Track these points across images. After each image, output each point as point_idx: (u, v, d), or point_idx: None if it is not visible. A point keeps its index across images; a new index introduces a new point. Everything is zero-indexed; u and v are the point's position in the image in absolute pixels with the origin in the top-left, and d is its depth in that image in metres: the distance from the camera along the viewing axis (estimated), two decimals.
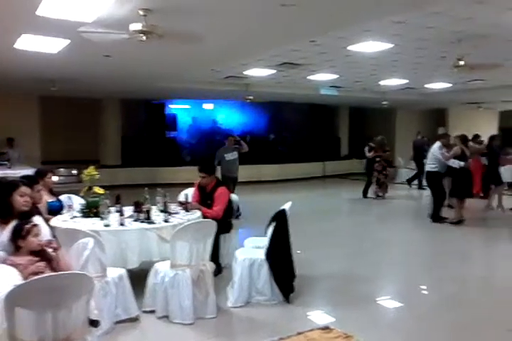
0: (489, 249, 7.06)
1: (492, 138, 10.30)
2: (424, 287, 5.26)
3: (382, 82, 12.23)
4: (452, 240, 7.49)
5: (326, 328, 2.01)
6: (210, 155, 9.05)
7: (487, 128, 18.89)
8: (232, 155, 9.23)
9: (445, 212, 8.71)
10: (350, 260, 6.24)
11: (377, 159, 11.59)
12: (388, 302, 4.67)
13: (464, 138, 8.49)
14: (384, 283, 5.49)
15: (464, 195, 8.27)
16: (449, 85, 12.70)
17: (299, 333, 2.02)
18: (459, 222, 8.25)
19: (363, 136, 18.93)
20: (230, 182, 8.88)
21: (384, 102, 15.45)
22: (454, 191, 8.34)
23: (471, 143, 9.59)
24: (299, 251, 5.60)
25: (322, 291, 5.00)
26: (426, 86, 12.95)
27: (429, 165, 8.53)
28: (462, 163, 8.08)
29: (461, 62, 7.26)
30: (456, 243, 7.34)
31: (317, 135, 18.46)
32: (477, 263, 6.31)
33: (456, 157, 8.13)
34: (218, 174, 8.82)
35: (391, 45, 7.67)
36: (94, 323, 2.76)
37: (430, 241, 7.60)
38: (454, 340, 3.69)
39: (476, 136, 11.32)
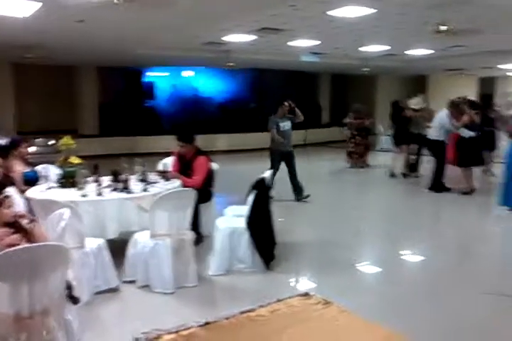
0: (475, 217, 7.14)
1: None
2: (404, 252, 5.36)
3: (363, 49, 12.08)
4: (439, 208, 7.57)
5: (305, 294, 2.01)
6: (189, 124, 8.67)
7: (467, 95, 18.96)
8: (286, 125, 7.94)
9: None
10: (330, 227, 6.29)
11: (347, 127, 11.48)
12: (368, 268, 4.76)
13: (472, 104, 8.01)
14: (364, 249, 5.58)
15: (470, 164, 8.02)
16: (430, 52, 12.60)
17: (279, 300, 2.02)
18: (469, 191, 8.02)
19: (344, 103, 18.88)
20: (282, 158, 7.77)
21: (365, 69, 15.32)
22: (460, 160, 8.02)
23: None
24: (281, 219, 5.65)
25: (303, 258, 5.03)
26: (407, 52, 12.82)
27: (433, 134, 8.25)
28: (472, 133, 7.80)
29: (443, 28, 7.17)
30: (441, 210, 7.44)
31: (298, 102, 18.19)
32: (460, 230, 6.39)
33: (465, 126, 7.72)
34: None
35: (373, 10, 7.51)
36: (74, 300, 2.73)
37: (412, 209, 7.67)
38: (431, 303, 3.77)
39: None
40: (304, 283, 4.23)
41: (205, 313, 3.45)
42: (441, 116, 8.15)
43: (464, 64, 15.59)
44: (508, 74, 20.23)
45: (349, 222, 6.63)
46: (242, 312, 1.91)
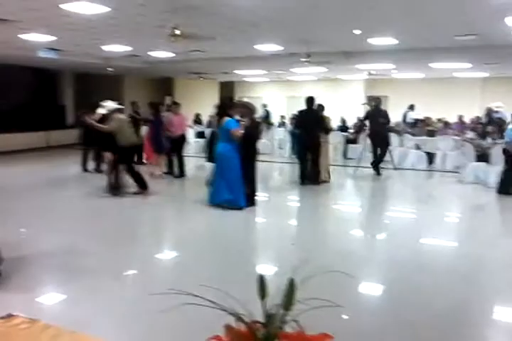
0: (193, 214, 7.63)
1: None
2: (153, 251, 5.39)
3: (105, 48, 11.80)
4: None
5: (8, 316, 1.79)
6: None
7: (210, 98, 20.33)
8: None
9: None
10: (71, 234, 5.92)
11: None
12: (113, 273, 4.60)
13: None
14: (108, 253, 5.38)
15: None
16: (172, 55, 13.03)
17: None
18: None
19: (90, 103, 18.22)
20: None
21: (109, 69, 15.03)
22: None
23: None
24: (23, 229, 5.12)
25: (37, 271, 4.61)
26: (150, 54, 13.02)
27: None
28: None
29: (177, 32, 7.44)
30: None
31: (38, 102, 16.94)
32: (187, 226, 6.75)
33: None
34: None
35: (108, 9, 7.37)
36: None
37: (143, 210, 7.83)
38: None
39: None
40: (35, 299, 3.88)
41: None
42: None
43: (205, 68, 16.61)
44: (244, 79, 22.37)
45: (86, 227, 6.37)
46: None
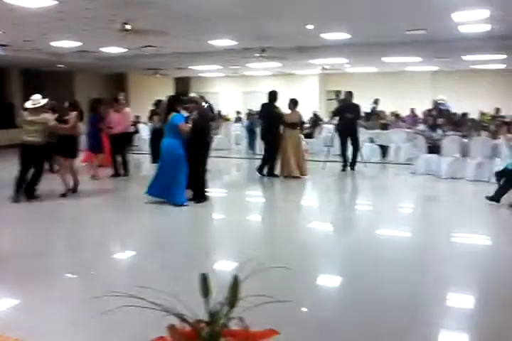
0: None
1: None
2: (108, 252, 5.26)
3: (54, 43, 11.44)
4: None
5: None
6: None
7: (165, 94, 19.97)
8: None
9: None
10: (15, 238, 5.70)
11: None
12: (71, 275, 4.46)
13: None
14: (63, 255, 5.23)
15: None
16: (124, 50, 12.76)
17: None
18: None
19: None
20: None
21: (59, 65, 14.59)
22: None
23: None
24: None
25: None
26: (101, 49, 12.71)
27: None
28: None
29: (128, 27, 7.28)
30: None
31: None
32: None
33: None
34: None
35: (55, 2, 7.15)
36: None
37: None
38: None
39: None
40: None
41: None
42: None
43: (159, 64, 16.34)
44: (200, 74, 22.16)
45: (32, 231, 6.08)
46: None
